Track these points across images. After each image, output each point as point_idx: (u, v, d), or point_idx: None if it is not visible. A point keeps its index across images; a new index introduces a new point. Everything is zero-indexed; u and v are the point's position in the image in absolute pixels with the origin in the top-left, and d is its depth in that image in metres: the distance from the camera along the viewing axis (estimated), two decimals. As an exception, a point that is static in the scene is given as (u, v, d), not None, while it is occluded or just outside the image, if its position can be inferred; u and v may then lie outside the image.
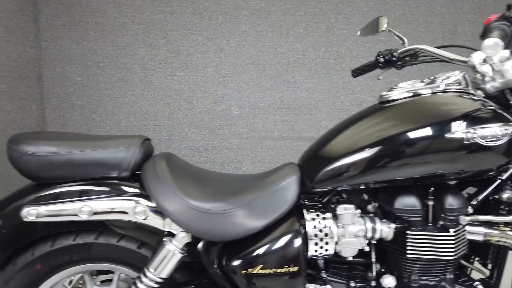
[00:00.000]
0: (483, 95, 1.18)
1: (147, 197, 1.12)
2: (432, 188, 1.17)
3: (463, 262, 1.27)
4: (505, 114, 1.10)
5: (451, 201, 1.13)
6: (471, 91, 1.18)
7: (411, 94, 1.20)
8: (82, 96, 2.92)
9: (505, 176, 1.16)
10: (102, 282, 1.35)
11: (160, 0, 2.87)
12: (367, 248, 1.18)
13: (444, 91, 1.17)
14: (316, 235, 1.14)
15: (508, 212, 1.16)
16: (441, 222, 1.14)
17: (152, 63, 2.93)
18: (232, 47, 2.94)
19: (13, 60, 2.49)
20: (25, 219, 1.08)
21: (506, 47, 1.15)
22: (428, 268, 1.15)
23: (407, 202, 1.15)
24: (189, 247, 1.15)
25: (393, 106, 1.19)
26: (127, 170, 1.13)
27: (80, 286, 1.34)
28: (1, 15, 2.36)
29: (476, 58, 1.18)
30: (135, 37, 2.90)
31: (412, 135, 1.09)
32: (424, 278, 1.16)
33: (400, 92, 1.22)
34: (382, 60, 1.50)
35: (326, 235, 1.14)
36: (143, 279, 1.11)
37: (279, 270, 1.10)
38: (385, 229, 1.15)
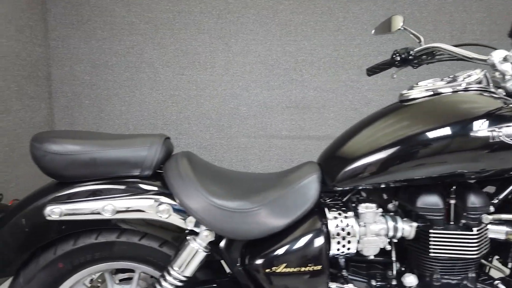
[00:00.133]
0: (504, 94, 1.18)
1: (169, 195, 1.12)
2: (454, 187, 1.17)
3: (483, 261, 1.27)
4: None
5: (473, 200, 1.13)
6: (492, 90, 1.17)
7: (431, 93, 1.19)
8: (91, 95, 2.93)
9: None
10: (120, 280, 1.35)
11: (168, -1, 2.87)
12: (388, 247, 1.18)
13: (466, 90, 1.17)
14: (338, 234, 1.14)
15: (529, 211, 1.16)
16: (463, 221, 1.14)
17: (160, 62, 2.94)
18: (240, 46, 2.95)
19: (22, 59, 2.49)
20: (48, 218, 1.08)
21: None
22: (450, 267, 1.15)
23: (430, 200, 1.15)
24: (211, 246, 1.15)
25: (414, 105, 1.19)
26: (149, 168, 1.13)
27: (99, 285, 1.34)
28: (11, 14, 2.35)
29: (496, 56, 1.18)
30: (143, 36, 2.91)
31: (435, 133, 1.09)
32: (446, 276, 1.16)
33: (420, 90, 1.22)
34: (398, 58, 1.49)
35: (348, 234, 1.14)
36: (167, 277, 1.11)
37: (302, 269, 1.10)
38: (407, 228, 1.15)
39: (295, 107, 3.01)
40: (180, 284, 1.12)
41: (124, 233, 1.17)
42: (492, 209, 1.15)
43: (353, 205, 1.21)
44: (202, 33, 2.92)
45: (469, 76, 1.19)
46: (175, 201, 1.11)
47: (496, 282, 1.20)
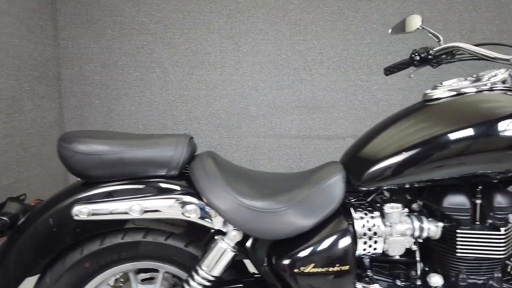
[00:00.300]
0: (528, 93, 1.18)
1: (195, 195, 1.12)
2: (480, 187, 1.17)
3: (507, 261, 1.27)
4: None
5: (500, 200, 1.13)
6: (517, 89, 1.17)
7: (455, 93, 1.19)
8: (100, 94, 2.92)
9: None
10: (142, 280, 1.35)
11: (178, -2, 2.87)
12: (414, 247, 1.18)
13: (490, 89, 1.17)
14: (365, 234, 1.14)
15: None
16: (489, 221, 1.14)
17: (170, 62, 2.93)
18: (250, 46, 2.94)
19: (33, 59, 2.49)
20: (76, 218, 1.08)
21: None
22: (477, 267, 1.15)
23: (456, 200, 1.15)
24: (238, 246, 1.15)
25: (439, 105, 1.19)
26: (175, 168, 1.13)
27: (121, 285, 1.34)
28: (22, 14, 2.35)
29: None
30: (153, 36, 2.90)
31: (461, 133, 1.09)
32: (472, 276, 1.16)
33: (444, 90, 1.21)
34: (417, 58, 1.49)
35: (375, 234, 1.14)
36: (196, 277, 1.11)
37: (330, 269, 1.10)
38: (433, 228, 1.15)
39: (304, 106, 3.01)
40: (208, 284, 1.12)
41: (150, 233, 1.17)
42: (518, 208, 1.15)
43: (378, 205, 1.21)
44: (212, 33, 2.92)
45: (495, 75, 1.19)
46: (202, 200, 1.11)
47: (521, 281, 1.20)
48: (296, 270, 1.10)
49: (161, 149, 1.12)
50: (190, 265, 1.18)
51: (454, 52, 1.44)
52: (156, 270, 1.28)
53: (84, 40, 2.86)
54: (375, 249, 1.15)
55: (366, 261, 1.23)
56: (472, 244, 1.13)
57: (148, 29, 2.89)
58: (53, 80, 2.74)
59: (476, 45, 1.34)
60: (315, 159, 3.07)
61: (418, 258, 1.22)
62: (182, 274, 1.22)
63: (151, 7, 2.88)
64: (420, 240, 1.19)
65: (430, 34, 1.53)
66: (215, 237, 1.13)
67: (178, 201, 1.10)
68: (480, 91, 1.17)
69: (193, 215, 1.10)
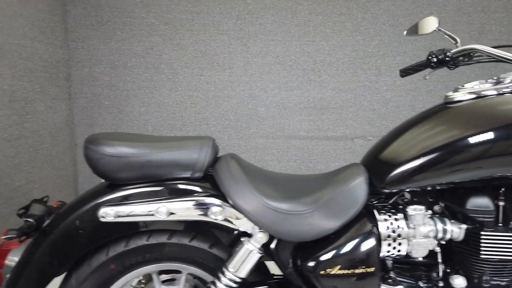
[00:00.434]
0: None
1: (220, 197, 1.12)
2: (503, 189, 1.17)
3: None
4: None
5: (523, 202, 1.13)
6: (539, 92, 1.18)
7: (477, 95, 1.20)
8: (110, 96, 2.93)
9: None
10: (163, 281, 1.35)
11: (188, 0, 2.87)
12: (437, 249, 1.19)
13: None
14: (389, 236, 1.14)
15: None
16: (513, 223, 1.15)
17: (179, 63, 2.94)
18: (259, 47, 2.95)
19: (44, 60, 2.50)
20: (102, 219, 1.08)
21: None
22: (500, 269, 1.15)
23: (480, 202, 1.15)
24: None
25: (460, 107, 1.19)
26: (200, 170, 1.13)
27: (142, 286, 1.34)
28: (34, 15, 2.36)
29: None
30: (162, 37, 2.91)
31: (484, 137, 1.10)
32: (495, 278, 1.16)
33: (465, 92, 1.22)
34: (434, 60, 1.49)
35: (399, 235, 1.15)
36: (223, 278, 1.11)
37: (356, 271, 1.11)
38: (456, 230, 1.16)
39: (313, 107, 3.02)
40: (234, 285, 1.12)
41: (175, 235, 1.18)
42: (541, 210, 1.16)
43: (400, 207, 1.21)
44: (221, 34, 2.93)
45: (517, 78, 1.19)
46: (227, 202, 1.12)
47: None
48: (322, 272, 1.11)
49: (186, 152, 1.12)
50: (214, 266, 1.18)
51: (471, 54, 1.45)
52: (178, 271, 1.29)
53: (94, 41, 2.87)
54: (399, 251, 1.16)
55: (389, 262, 1.23)
56: (496, 246, 1.13)
57: (157, 30, 2.90)
58: (63, 81, 2.75)
59: (494, 47, 1.35)
60: (324, 160, 3.07)
61: (440, 260, 1.23)
62: (205, 276, 1.22)
63: (161, 9, 2.89)
64: (443, 242, 1.20)
65: (446, 36, 1.53)
66: (241, 239, 1.13)
67: (204, 203, 1.11)
68: (501, 94, 1.18)
69: (218, 216, 1.11)
